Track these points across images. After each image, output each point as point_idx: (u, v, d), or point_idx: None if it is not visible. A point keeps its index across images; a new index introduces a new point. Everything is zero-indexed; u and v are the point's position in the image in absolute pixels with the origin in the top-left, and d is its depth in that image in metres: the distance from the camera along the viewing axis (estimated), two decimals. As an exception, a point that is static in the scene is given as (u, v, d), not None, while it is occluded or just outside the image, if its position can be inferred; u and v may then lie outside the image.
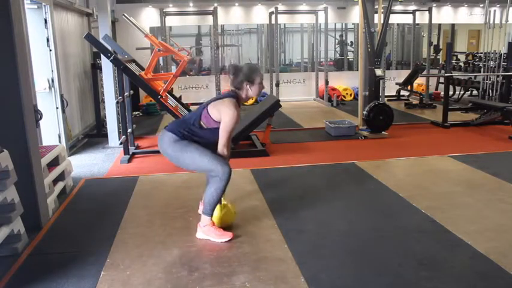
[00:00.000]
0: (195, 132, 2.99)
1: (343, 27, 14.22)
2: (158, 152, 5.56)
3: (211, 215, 3.07)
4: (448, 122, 7.02)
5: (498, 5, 9.91)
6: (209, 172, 2.99)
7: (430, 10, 9.65)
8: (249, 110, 6.93)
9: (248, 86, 3.02)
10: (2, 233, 2.74)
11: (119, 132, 6.01)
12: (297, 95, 10.37)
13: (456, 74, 9.71)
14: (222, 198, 3.17)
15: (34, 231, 3.20)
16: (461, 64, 10.43)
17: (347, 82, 10.49)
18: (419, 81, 10.00)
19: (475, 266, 2.66)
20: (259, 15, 10.01)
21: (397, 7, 9.79)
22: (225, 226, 3.18)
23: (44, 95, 5.26)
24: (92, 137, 6.65)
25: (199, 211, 3.31)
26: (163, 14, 9.28)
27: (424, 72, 9.46)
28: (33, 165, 3.22)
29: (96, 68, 6.82)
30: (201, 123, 2.99)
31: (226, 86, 9.47)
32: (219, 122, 2.95)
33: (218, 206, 3.14)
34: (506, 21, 8.40)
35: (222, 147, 2.97)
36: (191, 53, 11.65)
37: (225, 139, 2.95)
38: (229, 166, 2.98)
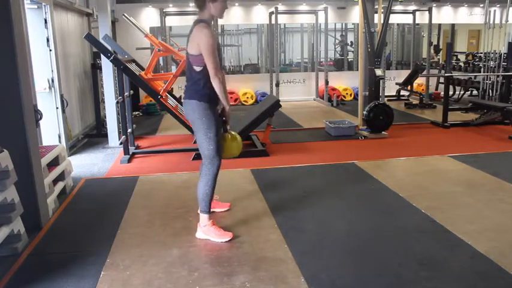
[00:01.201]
0: (200, 81, 2.95)
1: (343, 27, 14.22)
2: (158, 152, 5.63)
3: (209, 212, 3.07)
4: (448, 122, 7.02)
5: (498, 5, 9.90)
6: (203, 155, 3.03)
7: (430, 10, 9.65)
8: (249, 110, 6.93)
9: (211, 4, 2.94)
10: (2, 233, 2.74)
11: (119, 132, 6.01)
12: (297, 95, 10.37)
13: (456, 74, 9.71)
14: (232, 131, 3.20)
15: (34, 231, 3.20)
16: (461, 64, 10.43)
17: (347, 82, 10.49)
18: (419, 81, 10.00)
19: (475, 266, 2.66)
20: (259, 15, 10.01)
21: (397, 7, 9.79)
22: (233, 156, 3.22)
23: (44, 95, 5.26)
24: (92, 137, 6.65)
25: (199, 211, 3.32)
26: (163, 14, 9.28)
27: (424, 72, 9.46)
28: (33, 165, 3.22)
29: (96, 68, 6.82)
30: (195, 68, 2.95)
31: (226, 86, 9.47)
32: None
33: (228, 136, 3.15)
34: (506, 21, 8.40)
35: (213, 73, 2.89)
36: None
37: (211, 62, 2.87)
38: (220, 160, 3.02)
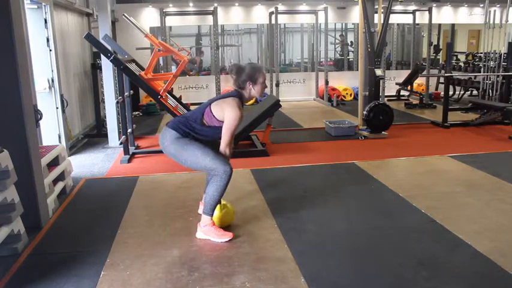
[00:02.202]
0: (197, 130, 3.00)
1: (343, 27, 14.22)
2: (158, 152, 5.63)
3: (212, 215, 3.07)
4: (448, 122, 7.02)
5: (498, 5, 9.90)
6: (210, 171, 2.99)
7: (430, 10, 9.64)
8: (249, 110, 6.93)
9: (251, 86, 3.03)
10: (2, 233, 2.74)
11: (119, 132, 6.01)
12: (297, 95, 10.37)
13: (456, 74, 9.71)
14: (221, 199, 3.17)
15: (34, 231, 3.20)
16: (461, 64, 10.43)
17: (347, 82, 10.49)
18: (419, 81, 10.00)
19: (475, 266, 2.66)
20: (259, 15, 10.01)
21: (397, 7, 9.78)
22: (225, 226, 3.18)
23: (44, 95, 5.26)
24: (92, 137, 6.65)
25: (200, 211, 3.32)
26: (163, 14, 9.28)
27: (424, 72, 9.46)
28: (33, 165, 3.22)
29: (96, 68, 6.82)
30: (203, 121, 3.00)
31: (226, 86, 9.49)
32: (222, 121, 2.95)
33: (218, 206, 3.14)
34: (506, 21, 8.40)
35: (224, 146, 2.98)
36: (191, 53, 11.68)
37: (228, 138, 2.96)
38: (231, 166, 2.98)
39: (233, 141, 3.11)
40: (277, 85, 9.58)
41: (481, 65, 8.94)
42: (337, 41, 14.19)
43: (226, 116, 2.92)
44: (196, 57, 12.40)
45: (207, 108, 3.00)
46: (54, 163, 3.94)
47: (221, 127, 2.96)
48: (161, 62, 10.39)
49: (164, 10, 9.30)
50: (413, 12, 10.08)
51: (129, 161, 5.27)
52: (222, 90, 9.02)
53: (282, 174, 4.63)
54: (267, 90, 9.65)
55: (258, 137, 5.96)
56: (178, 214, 3.53)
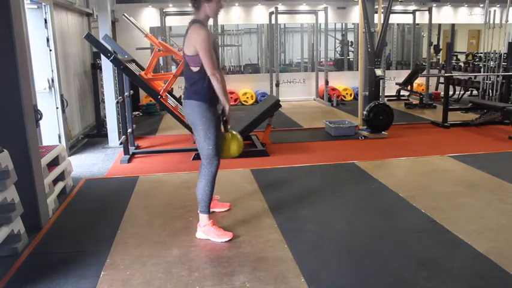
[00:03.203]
0: (199, 81, 2.96)
1: (343, 27, 14.22)
2: (158, 152, 5.63)
3: (208, 212, 3.08)
4: (448, 122, 7.02)
5: (498, 5, 9.91)
6: (202, 155, 3.03)
7: (430, 10, 9.64)
8: (249, 110, 6.93)
9: (206, 4, 2.97)
10: (2, 233, 2.74)
11: (119, 132, 6.01)
12: (297, 95, 10.37)
13: (456, 74, 9.71)
14: (232, 131, 3.19)
15: (34, 231, 3.20)
16: (461, 64, 10.43)
17: (347, 82, 10.49)
18: (419, 81, 10.00)
19: (475, 266, 2.66)
20: (259, 15, 10.01)
21: (397, 7, 9.79)
22: (233, 156, 3.22)
23: (44, 95, 5.26)
24: (92, 137, 6.65)
25: (199, 211, 3.31)
26: (163, 14, 9.28)
27: (424, 72, 9.46)
28: (33, 165, 3.22)
29: (96, 68, 6.82)
30: (193, 69, 2.96)
31: (227, 85, 9.47)
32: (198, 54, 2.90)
33: (228, 135, 3.15)
34: (506, 21, 8.40)
35: (210, 70, 2.88)
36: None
37: (208, 60, 2.86)
38: (219, 160, 3.03)
39: (219, 68, 2.99)
40: (277, 85, 9.58)
41: (481, 65, 8.94)
42: (337, 41, 14.20)
43: (195, 42, 2.87)
44: None
45: (185, 56, 2.98)
46: (54, 163, 3.94)
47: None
48: (161, 62, 10.39)
49: (164, 10, 9.30)
50: (413, 12, 10.08)
51: (129, 161, 5.27)
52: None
53: (282, 174, 4.63)
54: (267, 90, 9.68)
55: (258, 137, 5.96)
56: (178, 214, 3.53)
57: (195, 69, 2.96)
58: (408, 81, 9.38)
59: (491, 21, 8.35)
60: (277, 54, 10.20)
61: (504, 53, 8.49)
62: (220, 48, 10.20)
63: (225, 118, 3.16)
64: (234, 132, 3.25)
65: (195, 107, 2.98)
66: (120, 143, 5.41)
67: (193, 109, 2.99)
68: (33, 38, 4.91)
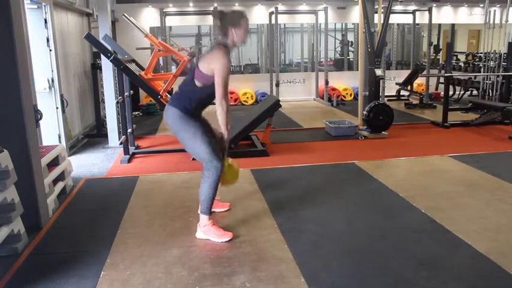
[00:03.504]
0: (194, 96, 2.95)
1: (343, 27, 14.22)
2: (158, 152, 5.63)
3: (210, 213, 3.07)
4: (448, 122, 7.02)
5: (498, 5, 9.91)
6: (202, 161, 3.00)
7: (430, 10, 9.65)
8: (249, 110, 6.93)
9: (234, 31, 2.99)
10: (2, 233, 2.74)
11: (119, 132, 6.01)
12: (297, 95, 10.37)
13: (456, 74, 9.71)
14: (228, 159, 3.17)
15: (34, 231, 3.20)
16: (461, 64, 10.43)
17: (347, 82, 10.49)
18: (419, 81, 10.00)
19: (475, 266, 2.66)
20: (259, 15, 10.01)
21: (397, 7, 9.79)
22: (229, 185, 3.22)
23: (44, 95, 5.26)
24: (92, 137, 6.65)
25: (199, 211, 3.31)
26: (163, 14, 9.28)
27: (424, 72, 9.47)
28: (33, 165, 3.22)
29: (96, 68, 6.82)
30: (196, 82, 2.96)
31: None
32: (212, 76, 2.91)
33: (226, 164, 3.12)
34: (506, 21, 8.40)
35: (220, 98, 2.90)
36: (192, 53, 11.65)
37: (221, 88, 2.89)
38: (222, 163, 3.00)
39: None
40: (277, 85, 9.58)
41: (481, 65, 8.94)
42: (337, 41, 14.19)
43: (215, 66, 2.88)
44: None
45: (196, 69, 2.97)
46: (54, 163, 3.94)
47: (213, 84, 2.91)
48: (161, 62, 10.39)
49: (164, 10, 9.30)
50: (413, 12, 10.08)
51: (129, 161, 5.27)
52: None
53: (282, 174, 4.63)
54: (267, 90, 9.68)
55: (258, 137, 5.96)
56: (178, 214, 3.53)
57: (198, 84, 2.96)
58: (408, 81, 9.38)
59: (491, 21, 8.35)
60: (277, 54, 10.20)
61: (504, 53, 8.49)
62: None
63: (222, 146, 3.13)
64: (230, 162, 3.22)
65: (176, 116, 2.95)
66: (120, 143, 5.41)
67: (174, 118, 2.96)
68: (33, 38, 4.91)
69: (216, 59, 2.90)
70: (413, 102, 9.29)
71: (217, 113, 2.94)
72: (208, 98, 3.01)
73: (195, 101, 2.97)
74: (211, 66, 2.89)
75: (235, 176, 3.25)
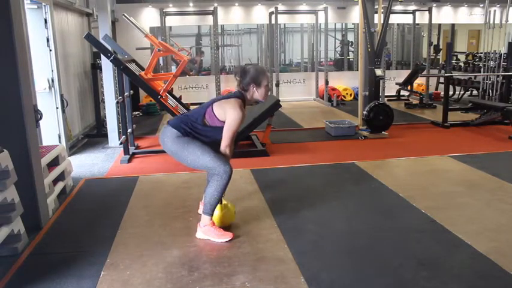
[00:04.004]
0: (198, 130, 2.99)
1: (343, 27, 14.22)
2: (158, 152, 5.64)
3: (212, 215, 3.07)
4: (448, 122, 7.02)
5: (498, 5, 9.91)
6: (210, 170, 2.99)
7: (430, 10, 9.65)
8: (249, 110, 6.92)
9: (254, 89, 3.02)
10: (2, 233, 2.74)
11: (119, 132, 6.01)
12: (297, 95, 10.37)
13: (456, 74, 9.71)
14: (222, 198, 3.17)
15: (34, 231, 3.20)
16: (461, 64, 10.43)
17: (347, 82, 10.49)
18: (419, 81, 10.00)
19: (475, 266, 2.66)
20: (259, 15, 10.01)
21: (397, 7, 9.78)
22: (225, 226, 3.18)
23: (44, 95, 5.26)
24: (92, 137, 6.65)
25: (200, 211, 3.32)
26: (163, 14, 9.27)
27: (424, 72, 9.47)
28: (33, 165, 3.22)
29: (96, 68, 6.82)
30: (205, 121, 2.99)
31: (226, 86, 9.48)
32: (223, 122, 2.95)
33: (219, 206, 3.14)
34: (506, 21, 8.41)
35: (224, 147, 2.97)
36: (191, 53, 11.68)
37: (228, 139, 2.96)
38: (231, 165, 2.98)
39: (233, 143, 3.10)
40: (277, 85, 9.58)
41: (481, 65, 8.94)
42: (337, 41, 14.20)
43: (228, 116, 2.92)
44: (196, 57, 12.40)
45: (209, 108, 3.00)
46: (54, 163, 3.94)
47: (222, 127, 2.96)
48: (161, 62, 10.39)
49: (164, 10, 9.30)
50: (413, 12, 10.08)
51: (129, 161, 5.27)
52: (222, 90, 9.02)
53: (282, 174, 4.63)
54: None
55: (258, 137, 5.96)
56: (178, 214, 3.53)
57: (206, 122, 3.00)
58: (408, 81, 9.38)
59: (491, 21, 8.35)
60: (277, 54, 10.20)
61: (504, 53, 8.49)
62: (220, 48, 10.19)
63: None
64: (225, 202, 3.23)
65: (175, 137, 2.96)
66: (120, 143, 5.41)
67: (173, 140, 2.96)
68: (33, 38, 4.91)
69: (232, 109, 2.93)
70: (413, 102, 9.29)
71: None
72: (210, 136, 3.02)
73: (197, 134, 3.00)
74: (225, 114, 2.94)
75: (231, 217, 3.26)
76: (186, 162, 3.01)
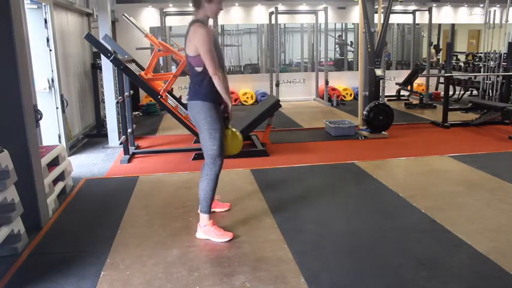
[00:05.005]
0: (202, 81, 2.96)
1: (343, 27, 14.22)
2: (158, 152, 5.63)
3: (209, 212, 3.08)
4: (448, 122, 7.02)
5: (498, 5, 9.91)
6: (206, 156, 3.03)
7: (430, 10, 9.64)
8: (249, 110, 6.93)
9: (206, 4, 2.99)
10: (2, 233, 2.74)
11: (119, 132, 6.01)
12: (297, 95, 10.37)
13: (456, 74, 9.71)
14: (231, 127, 3.19)
15: (34, 231, 3.20)
16: (461, 64, 10.43)
17: (347, 82, 10.49)
18: (419, 81, 10.00)
19: (475, 266, 2.66)
20: (259, 15, 10.01)
21: (397, 7, 9.78)
22: (232, 154, 3.22)
23: (44, 95, 5.26)
24: (92, 137, 6.65)
25: (199, 211, 3.32)
26: (163, 14, 9.28)
27: (424, 72, 9.46)
28: (33, 165, 3.22)
29: (96, 68, 6.83)
30: (196, 69, 2.97)
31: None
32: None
33: (229, 133, 3.15)
34: (506, 21, 8.40)
35: (212, 70, 2.90)
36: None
37: (209, 60, 2.88)
38: (222, 160, 3.03)
39: (221, 69, 3.02)
40: (277, 85, 9.58)
41: (481, 65, 8.94)
42: (336, 40, 14.19)
43: (195, 43, 2.88)
44: None
45: (188, 57, 2.99)
46: (54, 163, 3.94)
47: None
48: (161, 62, 10.39)
49: (164, 10, 9.30)
50: (413, 12, 10.08)
51: (129, 161, 5.27)
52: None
53: (282, 174, 4.63)
54: (267, 90, 9.68)
55: (258, 137, 5.96)
56: (178, 214, 3.53)
57: (198, 69, 2.97)
58: (408, 81, 9.38)
59: (491, 21, 8.35)
60: (277, 54, 10.20)
61: (504, 53, 8.49)
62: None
63: (226, 115, 3.16)
64: (234, 130, 3.25)
65: (199, 107, 2.98)
66: (120, 143, 5.41)
67: (197, 110, 2.99)
68: (33, 38, 4.91)
69: (193, 36, 2.91)
70: (413, 102, 9.29)
71: (215, 85, 2.95)
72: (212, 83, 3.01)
73: (205, 85, 2.97)
74: (194, 44, 2.90)
75: (239, 145, 3.27)
76: (199, 133, 3.05)
